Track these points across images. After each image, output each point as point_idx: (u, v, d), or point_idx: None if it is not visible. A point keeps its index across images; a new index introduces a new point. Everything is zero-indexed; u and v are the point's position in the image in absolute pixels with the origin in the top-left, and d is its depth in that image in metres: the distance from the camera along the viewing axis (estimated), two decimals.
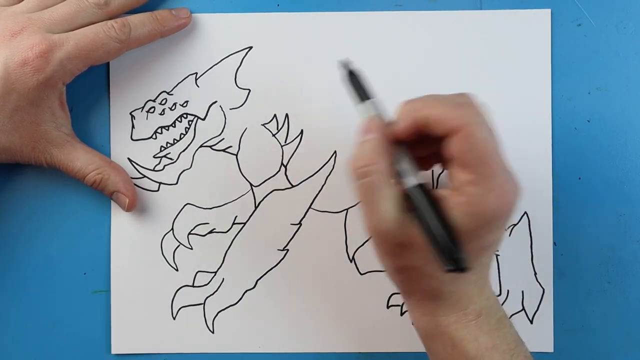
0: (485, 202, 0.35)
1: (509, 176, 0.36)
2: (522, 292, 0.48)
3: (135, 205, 0.47)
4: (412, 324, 0.40)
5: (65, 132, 0.45)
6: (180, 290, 0.48)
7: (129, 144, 0.48)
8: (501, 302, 0.47)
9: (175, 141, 0.48)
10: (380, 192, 0.35)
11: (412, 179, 0.36)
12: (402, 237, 0.36)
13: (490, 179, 0.35)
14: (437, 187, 0.48)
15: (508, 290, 0.48)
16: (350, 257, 0.48)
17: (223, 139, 0.48)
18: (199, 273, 0.48)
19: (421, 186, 0.36)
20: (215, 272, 0.48)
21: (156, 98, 0.48)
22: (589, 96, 0.48)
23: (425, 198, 0.35)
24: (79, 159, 0.45)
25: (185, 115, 0.48)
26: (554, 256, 0.48)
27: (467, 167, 0.35)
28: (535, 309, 0.47)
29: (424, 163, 0.39)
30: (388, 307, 0.48)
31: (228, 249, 0.48)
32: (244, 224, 0.48)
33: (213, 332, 0.48)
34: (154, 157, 0.48)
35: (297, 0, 0.48)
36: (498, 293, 0.47)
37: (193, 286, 0.48)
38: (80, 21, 0.44)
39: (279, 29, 0.48)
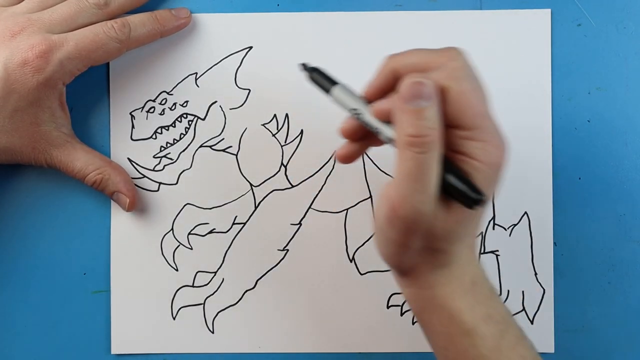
0: (489, 157, 0.34)
1: (497, 129, 0.35)
2: (523, 292, 0.48)
3: (135, 205, 0.47)
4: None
5: (65, 132, 0.45)
6: (180, 290, 0.48)
7: (129, 144, 0.48)
8: None
9: (175, 141, 0.48)
10: (433, 171, 0.33)
11: None
12: (432, 222, 0.34)
13: (484, 133, 0.34)
14: None
15: (508, 290, 0.48)
16: (350, 257, 0.48)
17: (223, 139, 0.48)
18: (199, 273, 0.48)
19: None
20: (215, 272, 0.48)
21: (156, 98, 0.48)
22: (589, 96, 0.48)
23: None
24: (79, 159, 0.45)
25: (185, 115, 0.48)
26: (554, 256, 0.48)
27: (459, 126, 0.34)
28: (536, 309, 0.47)
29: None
30: (388, 307, 0.48)
31: (228, 249, 0.48)
32: (244, 224, 0.48)
33: (213, 332, 0.48)
34: (154, 157, 0.48)
35: (297, 0, 0.48)
36: (498, 293, 0.47)
37: (193, 286, 0.48)
38: (80, 21, 0.44)
39: (279, 29, 0.48)
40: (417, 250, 0.36)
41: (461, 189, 0.33)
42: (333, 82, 0.38)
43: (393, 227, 0.35)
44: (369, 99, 0.37)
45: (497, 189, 0.37)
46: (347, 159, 0.40)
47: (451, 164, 0.34)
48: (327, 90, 0.38)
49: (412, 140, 0.33)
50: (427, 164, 0.33)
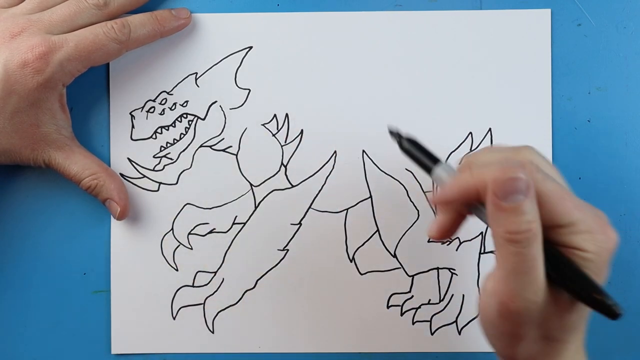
0: (600, 245, 0.33)
1: (592, 208, 0.34)
2: None
3: (126, 215, 0.47)
4: None
5: (65, 134, 0.45)
6: (180, 290, 0.48)
7: (129, 144, 0.48)
8: None
9: (175, 141, 0.48)
10: (539, 263, 0.32)
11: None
12: (545, 311, 0.33)
13: (586, 224, 0.33)
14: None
15: None
16: (350, 257, 0.48)
17: (223, 139, 0.48)
18: (199, 273, 0.48)
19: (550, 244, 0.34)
20: (215, 272, 0.48)
21: (156, 98, 0.48)
22: (589, 96, 0.48)
23: (564, 257, 0.33)
24: (77, 163, 0.45)
25: (185, 115, 0.48)
26: None
27: (558, 225, 0.33)
28: None
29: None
30: (388, 307, 0.48)
31: (228, 249, 0.48)
32: (244, 224, 0.48)
33: (213, 332, 0.48)
34: (154, 157, 0.48)
35: (297, 0, 0.48)
36: None
37: (193, 286, 0.48)
38: (80, 22, 0.44)
39: (279, 29, 0.48)
40: (532, 340, 0.35)
41: (597, 298, 0.32)
42: (434, 160, 0.37)
43: (506, 321, 0.34)
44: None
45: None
46: (444, 233, 0.37)
47: (563, 257, 0.33)
48: (426, 168, 0.37)
49: (514, 237, 0.32)
50: (532, 258, 0.32)
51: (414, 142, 0.38)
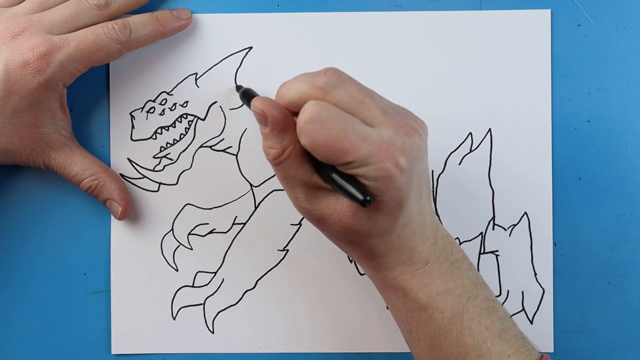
0: (369, 177, 0.35)
1: (376, 140, 0.35)
2: (522, 292, 0.48)
3: (127, 215, 0.47)
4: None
5: (65, 135, 0.45)
6: (180, 290, 0.48)
7: (129, 144, 0.48)
8: (501, 302, 0.47)
9: (175, 141, 0.48)
10: (292, 175, 0.38)
11: None
12: (318, 212, 0.38)
13: (361, 160, 0.35)
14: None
15: (508, 291, 0.48)
16: (350, 258, 0.48)
17: (223, 139, 0.48)
18: (199, 273, 0.48)
19: None
20: (215, 273, 0.48)
21: (156, 98, 0.48)
22: (589, 96, 0.48)
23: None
24: (76, 163, 0.45)
25: (185, 116, 0.48)
26: (554, 256, 0.48)
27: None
28: (535, 309, 0.47)
29: None
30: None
31: (228, 249, 0.48)
32: (244, 224, 0.48)
33: (213, 332, 0.48)
34: (153, 157, 0.48)
35: (297, 0, 0.48)
36: (498, 293, 0.47)
37: (193, 286, 0.48)
38: (81, 22, 0.44)
39: (279, 29, 0.48)
40: (343, 245, 0.40)
41: (349, 191, 0.35)
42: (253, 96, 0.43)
43: (313, 222, 0.40)
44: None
45: (416, 190, 0.37)
46: None
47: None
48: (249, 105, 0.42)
49: (265, 156, 0.38)
50: (283, 172, 0.38)
51: (246, 91, 0.45)
